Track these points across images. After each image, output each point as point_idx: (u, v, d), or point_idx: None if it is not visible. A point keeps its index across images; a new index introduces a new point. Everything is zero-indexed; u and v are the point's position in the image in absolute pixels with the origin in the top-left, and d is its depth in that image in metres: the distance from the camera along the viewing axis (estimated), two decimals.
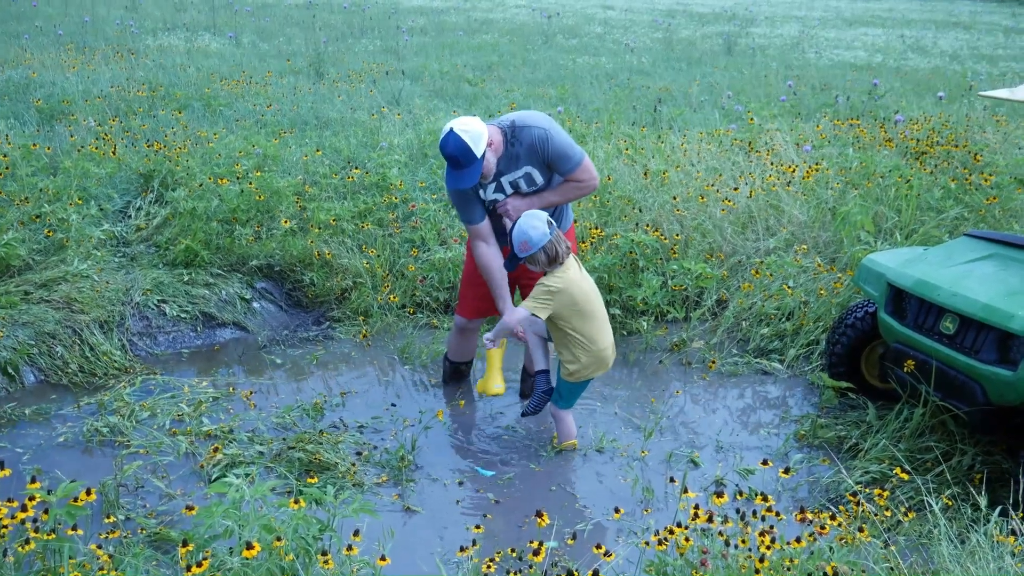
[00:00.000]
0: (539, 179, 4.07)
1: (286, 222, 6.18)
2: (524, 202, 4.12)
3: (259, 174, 6.65)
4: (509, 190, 4.10)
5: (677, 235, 6.18)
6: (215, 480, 3.72)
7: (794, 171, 7.00)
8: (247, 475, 3.42)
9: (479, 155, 3.82)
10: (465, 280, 4.53)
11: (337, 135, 8.36)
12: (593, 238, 6.13)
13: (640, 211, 6.49)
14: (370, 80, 11.45)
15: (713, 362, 5.21)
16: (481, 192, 4.10)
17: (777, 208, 6.54)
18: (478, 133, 3.80)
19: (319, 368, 5.22)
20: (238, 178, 6.68)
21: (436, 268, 5.97)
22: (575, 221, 6.38)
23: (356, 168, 7.13)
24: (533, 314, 3.89)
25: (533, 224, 3.82)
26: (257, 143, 7.44)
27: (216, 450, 4.06)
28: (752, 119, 8.93)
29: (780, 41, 18.38)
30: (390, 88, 10.78)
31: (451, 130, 3.78)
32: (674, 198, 6.57)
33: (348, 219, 6.37)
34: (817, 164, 7.12)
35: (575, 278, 3.93)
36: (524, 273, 4.29)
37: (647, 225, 6.22)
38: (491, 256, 4.14)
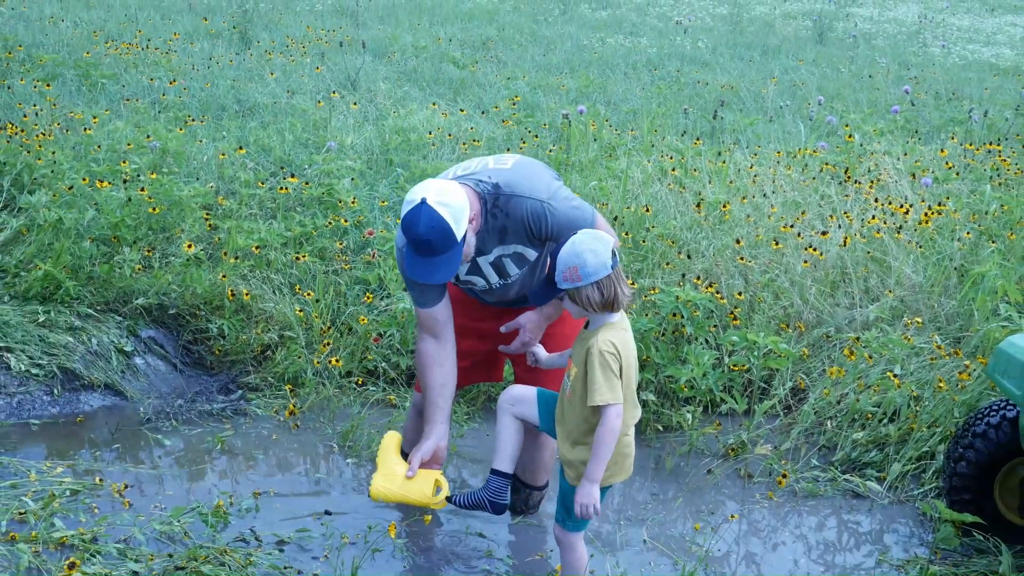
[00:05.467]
0: (531, 255, 4.09)
1: (189, 246, 6.18)
2: (540, 318, 4.15)
3: (154, 177, 6.62)
4: (491, 273, 4.11)
5: (740, 294, 6.21)
6: None
7: (907, 213, 7.03)
8: None
9: (460, 237, 3.76)
10: None
11: (267, 128, 8.35)
12: None
13: (689, 257, 6.55)
14: (316, 53, 11.43)
15: (784, 476, 5.20)
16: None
17: (882, 263, 6.56)
18: (460, 206, 3.74)
19: (225, 456, 5.20)
20: (124, 181, 6.63)
21: (398, 323, 5.95)
22: None
23: (292, 176, 7.12)
24: (609, 403, 3.67)
25: (593, 247, 3.65)
26: (154, 133, 7.37)
27: (72, 567, 3.99)
28: (851, 136, 9.00)
29: (893, 28, 18.59)
30: (344, 65, 10.79)
31: (423, 202, 3.69)
32: (737, 242, 6.62)
33: (277, 247, 6.36)
34: (940, 204, 7.16)
35: (631, 340, 3.83)
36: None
37: (698, 278, 6.25)
38: (436, 359, 4.09)
